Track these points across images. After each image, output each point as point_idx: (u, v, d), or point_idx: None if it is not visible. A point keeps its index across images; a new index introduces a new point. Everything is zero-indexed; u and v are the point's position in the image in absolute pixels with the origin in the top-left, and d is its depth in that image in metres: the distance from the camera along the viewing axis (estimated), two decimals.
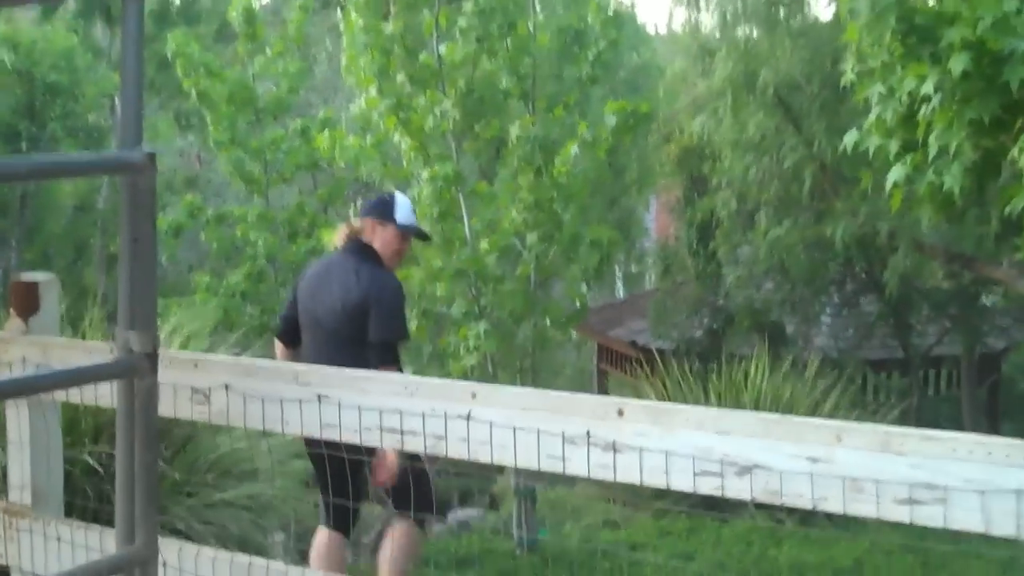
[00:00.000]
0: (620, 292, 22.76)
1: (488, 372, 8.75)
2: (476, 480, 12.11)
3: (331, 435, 2.52)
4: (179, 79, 12.06)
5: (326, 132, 10.62)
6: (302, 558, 5.05)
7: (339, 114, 14.02)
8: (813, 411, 8.71)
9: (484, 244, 8.79)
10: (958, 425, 13.57)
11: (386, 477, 4.37)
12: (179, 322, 6.42)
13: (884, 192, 5.26)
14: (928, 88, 4.67)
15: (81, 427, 5.16)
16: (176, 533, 5.05)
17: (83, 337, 5.81)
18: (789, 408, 8.46)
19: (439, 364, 8.98)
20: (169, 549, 2.80)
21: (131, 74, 2.03)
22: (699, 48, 12.21)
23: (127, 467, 2.12)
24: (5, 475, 3.26)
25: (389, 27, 8.76)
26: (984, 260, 11.08)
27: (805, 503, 2.06)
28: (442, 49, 8.81)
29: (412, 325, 8.82)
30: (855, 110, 9.10)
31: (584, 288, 9.71)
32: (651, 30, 36.26)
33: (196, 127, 20.20)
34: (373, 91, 8.90)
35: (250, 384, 2.62)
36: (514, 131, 8.66)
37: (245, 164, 11.93)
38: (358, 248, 4.70)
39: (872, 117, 5.13)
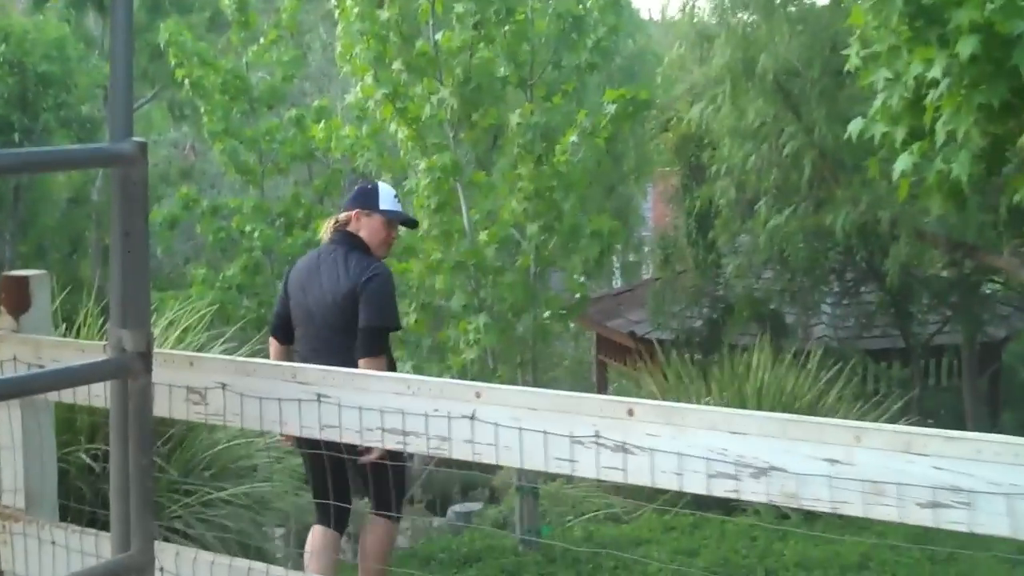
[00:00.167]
0: (617, 282, 22.70)
1: (488, 366, 8.70)
2: (476, 473, 12.07)
3: (331, 436, 2.46)
4: (172, 69, 11.96)
5: (321, 122, 10.55)
6: (302, 554, 5.01)
7: (334, 103, 13.92)
8: (817, 403, 8.65)
9: (483, 235, 8.71)
10: (959, 415, 13.54)
11: (372, 458, 4.31)
12: (175, 316, 6.35)
13: (886, 180, 5.18)
14: (936, 72, 4.57)
15: (77, 424, 5.10)
16: (174, 532, 4.99)
17: (78, 332, 5.74)
18: (792, 400, 8.40)
19: (439, 358, 8.92)
20: (166, 554, 2.74)
21: (121, 64, 1.96)
22: (697, 34, 12.11)
23: (122, 470, 2.05)
24: None
25: (384, 14, 8.66)
26: (985, 249, 11.01)
27: (824, 506, 2.00)
28: (438, 36, 8.72)
29: (411, 319, 8.76)
30: (855, 97, 9.03)
31: (583, 279, 9.62)
32: (645, 16, 36.19)
33: (190, 118, 20.09)
34: (368, 79, 8.81)
35: (247, 383, 2.56)
36: (514, 119, 8.57)
37: (240, 154, 11.84)
38: (345, 239, 4.72)
39: (877, 103, 5.03)
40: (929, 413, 13.03)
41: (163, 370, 2.47)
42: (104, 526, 2.37)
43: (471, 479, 13.10)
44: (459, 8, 8.62)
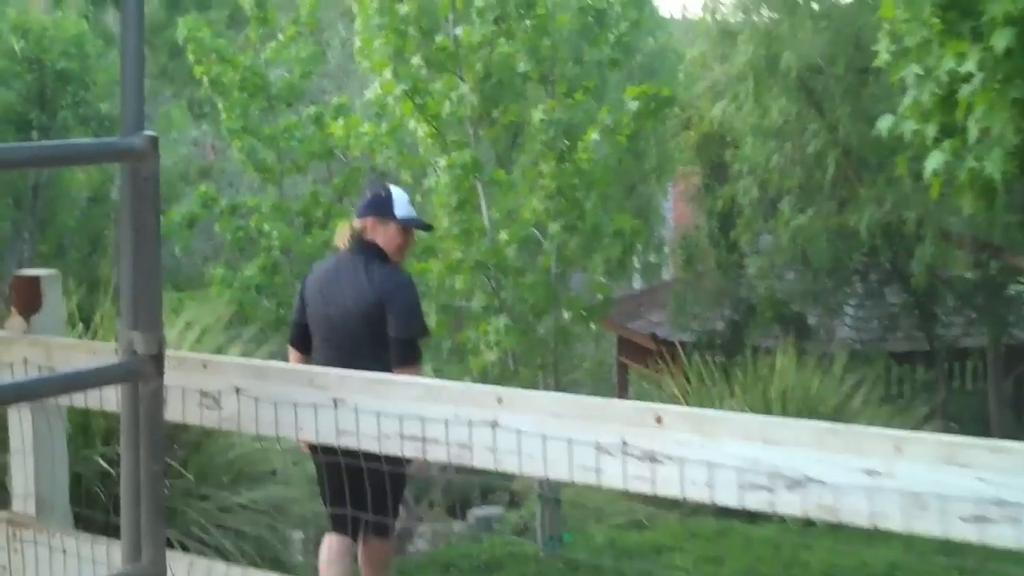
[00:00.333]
0: (637, 283, 22.57)
1: (509, 368, 8.61)
2: (496, 477, 11.99)
3: (348, 442, 2.37)
4: (191, 66, 11.93)
5: (340, 119, 10.48)
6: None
7: (353, 100, 13.85)
8: (842, 407, 8.53)
9: (504, 235, 8.62)
10: (984, 419, 13.38)
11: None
12: (193, 316, 6.31)
13: (910, 179, 5.08)
14: (969, 66, 4.46)
15: (92, 427, 5.04)
16: (192, 538, 4.93)
17: (95, 333, 5.69)
18: (817, 404, 8.29)
19: (459, 360, 8.85)
20: (179, 564, 2.66)
21: (132, 57, 1.91)
22: (719, 31, 12.02)
23: (132, 477, 1.98)
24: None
25: (404, 8, 8.60)
26: (1012, 250, 10.87)
27: (863, 520, 1.91)
28: (458, 31, 8.64)
29: (431, 320, 8.67)
30: (880, 94, 8.92)
31: (604, 280, 9.52)
32: (666, 14, 36.02)
33: (209, 116, 20.08)
34: (388, 75, 8.74)
35: (262, 387, 2.48)
36: (536, 115, 8.48)
37: (258, 152, 11.79)
38: (364, 247, 4.70)
39: (908, 100, 4.93)
40: (954, 417, 12.88)
41: (175, 373, 2.39)
42: (118, 534, 2.30)
43: (491, 482, 13.02)
44: (479, 2, 8.54)
